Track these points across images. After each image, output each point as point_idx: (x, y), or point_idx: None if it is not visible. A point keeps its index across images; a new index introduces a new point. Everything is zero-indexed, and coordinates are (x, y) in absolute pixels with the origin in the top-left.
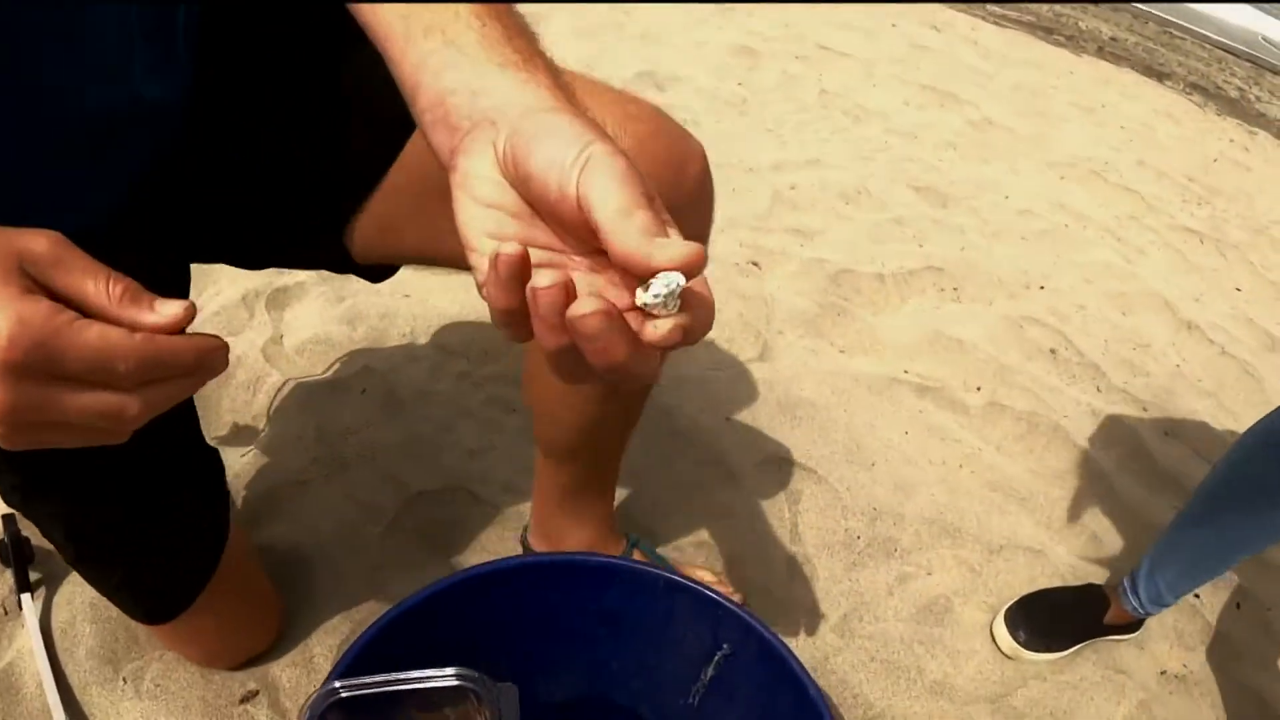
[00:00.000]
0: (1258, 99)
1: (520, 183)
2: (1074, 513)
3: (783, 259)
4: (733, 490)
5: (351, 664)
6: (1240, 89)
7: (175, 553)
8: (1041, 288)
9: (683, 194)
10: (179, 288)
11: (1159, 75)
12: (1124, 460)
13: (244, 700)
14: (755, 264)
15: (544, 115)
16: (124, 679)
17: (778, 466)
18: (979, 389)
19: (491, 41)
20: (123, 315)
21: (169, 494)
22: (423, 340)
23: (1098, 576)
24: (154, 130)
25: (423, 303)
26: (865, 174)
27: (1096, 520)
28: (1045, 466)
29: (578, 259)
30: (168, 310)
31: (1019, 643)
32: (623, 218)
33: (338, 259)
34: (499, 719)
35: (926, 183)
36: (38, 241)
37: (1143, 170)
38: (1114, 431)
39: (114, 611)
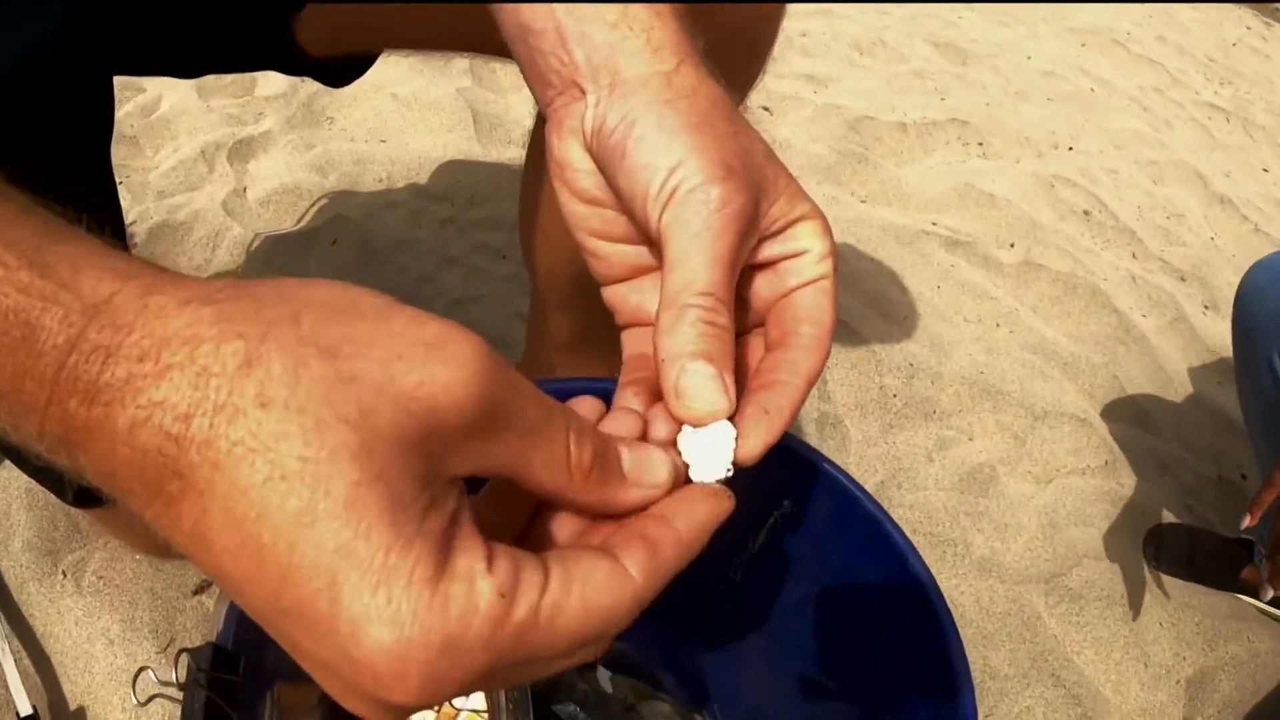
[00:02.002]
0: None
1: (610, 187)
2: (1118, 382)
3: (796, 104)
4: None
5: None
6: None
7: None
8: (1070, 149)
9: None
10: (103, 111)
11: None
12: (1165, 330)
13: (198, 591)
14: (766, 109)
15: (633, 98)
16: (63, 572)
17: None
18: (1012, 245)
19: None
20: (592, 500)
21: None
22: (401, 185)
23: (1145, 453)
24: None
25: (402, 146)
26: (879, 26)
27: (1142, 392)
28: (1085, 331)
29: None
30: (657, 473)
31: (1145, 557)
32: (675, 310)
33: (287, 56)
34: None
35: (945, 39)
36: (451, 391)
37: (1164, 46)
38: (1154, 299)
39: (53, 497)
